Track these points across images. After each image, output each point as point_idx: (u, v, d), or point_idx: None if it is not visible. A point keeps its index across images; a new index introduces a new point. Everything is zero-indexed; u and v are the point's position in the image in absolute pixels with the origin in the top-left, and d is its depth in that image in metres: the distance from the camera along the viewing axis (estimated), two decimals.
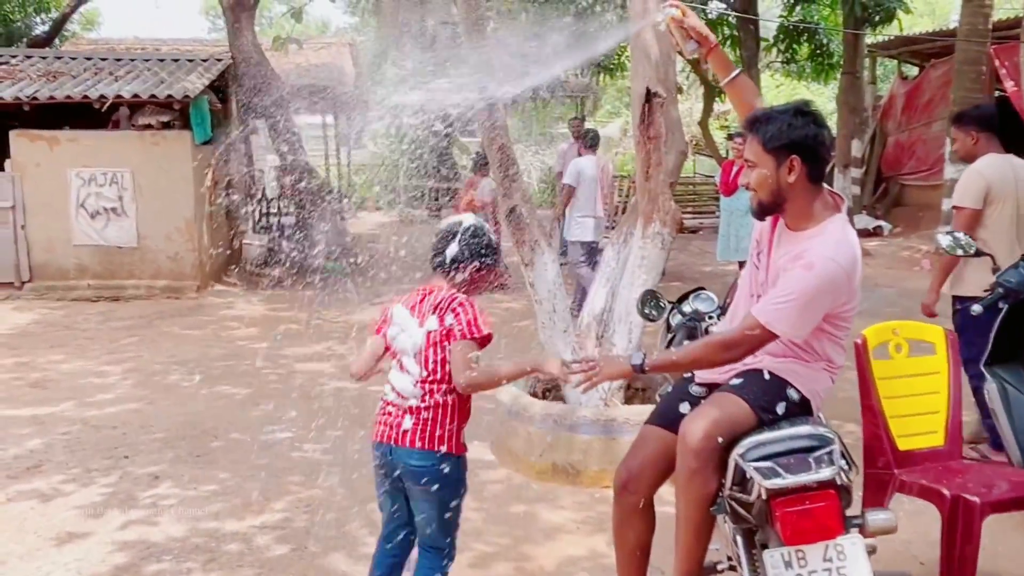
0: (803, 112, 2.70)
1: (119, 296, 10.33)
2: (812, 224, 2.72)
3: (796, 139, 2.65)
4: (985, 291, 3.88)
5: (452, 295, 2.91)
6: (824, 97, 29.53)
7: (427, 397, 2.85)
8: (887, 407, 3.55)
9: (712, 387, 2.94)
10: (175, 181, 10.42)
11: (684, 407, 2.97)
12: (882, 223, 15.26)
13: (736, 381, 2.76)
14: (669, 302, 3.50)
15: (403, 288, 10.45)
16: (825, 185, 2.78)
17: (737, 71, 3.13)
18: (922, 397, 3.59)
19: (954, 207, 4.82)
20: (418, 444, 2.82)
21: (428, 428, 2.84)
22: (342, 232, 15.25)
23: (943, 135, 13.89)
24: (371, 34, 36.62)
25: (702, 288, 3.59)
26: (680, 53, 3.36)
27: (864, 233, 14.28)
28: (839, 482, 2.36)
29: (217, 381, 6.88)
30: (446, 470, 2.84)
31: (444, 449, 2.84)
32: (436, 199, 20.07)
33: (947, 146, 11.94)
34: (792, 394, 2.71)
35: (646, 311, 3.22)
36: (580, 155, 9.41)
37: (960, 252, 4.05)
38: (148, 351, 7.86)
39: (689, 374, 3.08)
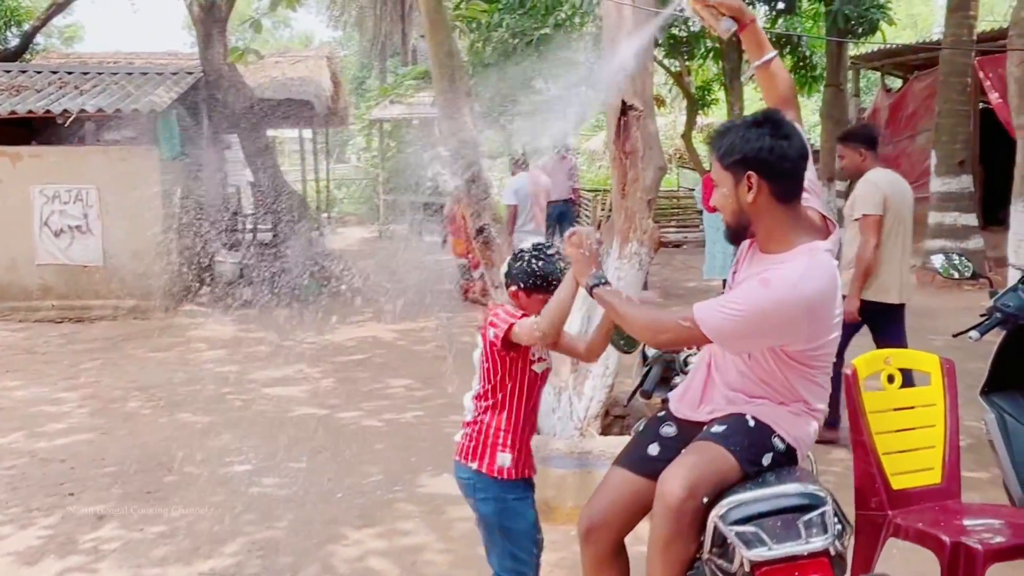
0: (760, 123, 2.41)
1: (84, 317, 9.99)
2: (784, 248, 2.43)
3: (750, 153, 2.37)
4: (982, 316, 3.63)
5: (495, 309, 2.86)
6: (807, 110, 29.57)
7: (476, 413, 2.85)
8: (879, 443, 3.28)
9: (686, 425, 2.68)
10: (143, 198, 10.10)
11: (653, 449, 2.72)
12: None
13: (719, 428, 2.49)
14: None
15: (380, 308, 10.24)
16: (814, 207, 2.52)
17: (772, 54, 2.77)
18: (917, 431, 3.33)
19: (858, 218, 5.07)
20: (458, 457, 2.85)
21: (470, 442, 2.83)
22: (320, 249, 14.96)
23: (928, 148, 13.74)
24: (353, 48, 36.55)
25: None
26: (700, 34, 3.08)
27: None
28: (832, 552, 2.07)
29: (178, 408, 6.57)
30: (481, 490, 2.80)
31: (475, 466, 2.79)
32: (418, 214, 19.78)
33: (932, 159, 11.78)
34: (777, 443, 2.44)
35: (620, 341, 2.94)
36: (513, 175, 10.18)
37: (955, 275, 3.81)
38: (109, 376, 7.53)
39: (662, 412, 2.82)
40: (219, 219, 13.44)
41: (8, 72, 11.19)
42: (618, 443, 4.27)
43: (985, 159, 13.04)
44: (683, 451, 2.49)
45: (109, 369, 7.78)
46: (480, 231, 4.75)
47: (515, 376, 2.80)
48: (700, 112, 17.43)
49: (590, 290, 2.57)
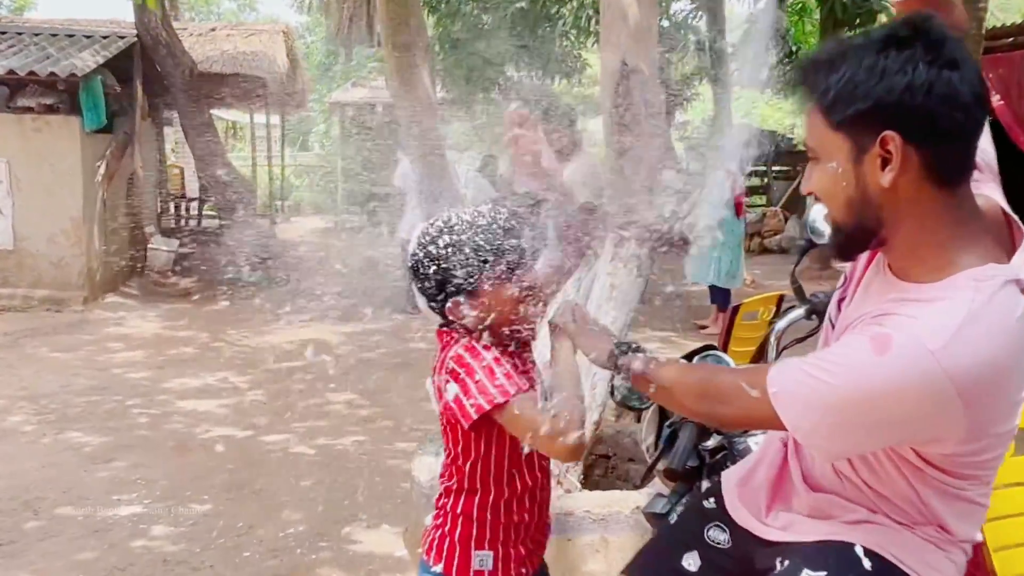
0: (903, 40, 1.33)
1: None
2: (935, 273, 1.37)
3: (888, 97, 1.31)
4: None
5: (459, 344, 1.77)
6: (782, 112, 28.86)
7: (441, 495, 1.89)
8: (988, 533, 2.33)
9: (746, 536, 1.69)
10: (60, 174, 8.92)
11: (691, 562, 1.76)
12: None
13: (813, 572, 1.48)
14: None
15: (327, 306, 9.15)
16: (993, 198, 1.50)
17: None
18: None
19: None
20: (423, 552, 1.88)
21: (435, 532, 1.87)
22: (269, 238, 13.82)
23: None
24: (320, 33, 35.26)
25: (712, 347, 2.31)
26: None
27: None
28: None
29: (69, 425, 5.45)
30: None
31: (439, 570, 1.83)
32: (375, 206, 18.69)
33: None
34: None
35: (632, 397, 1.92)
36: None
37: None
38: None
39: (711, 502, 1.82)
40: (153, 202, 12.27)
41: None
42: (607, 501, 3.29)
43: None
44: None
45: (0, 372, 6.62)
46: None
47: (498, 457, 1.80)
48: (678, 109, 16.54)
49: (617, 368, 1.68)
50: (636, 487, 3.92)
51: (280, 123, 18.65)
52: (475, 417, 1.66)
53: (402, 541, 3.78)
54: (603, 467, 4.24)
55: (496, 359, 1.70)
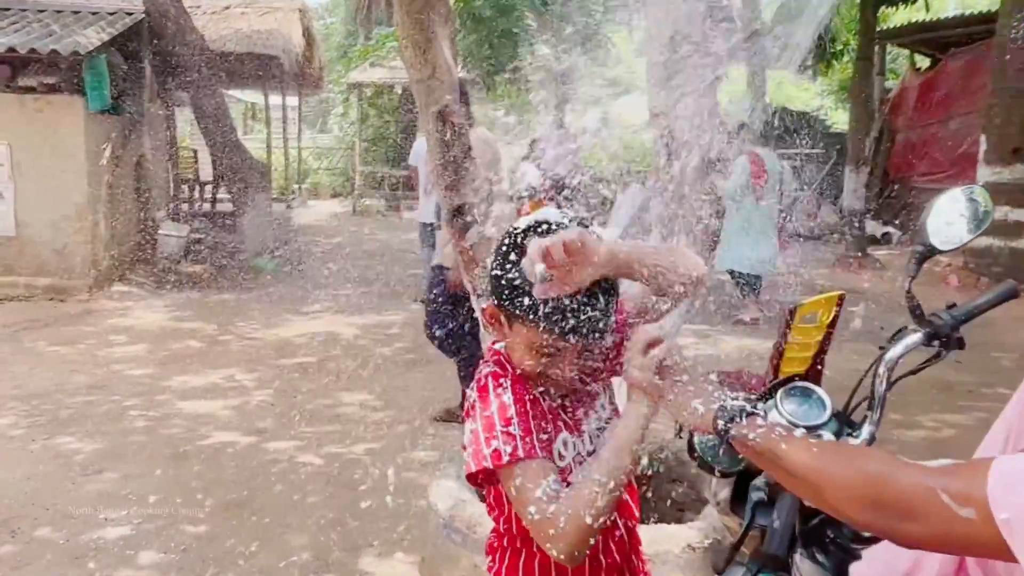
0: None
1: None
2: None
3: None
4: None
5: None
6: (810, 93, 28.07)
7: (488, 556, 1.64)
8: None
9: None
10: (63, 157, 8.52)
11: None
12: (890, 230, 13.70)
13: None
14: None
15: (343, 296, 8.71)
16: None
17: None
18: None
19: None
20: None
21: None
22: (284, 223, 13.43)
23: (963, 133, 12.33)
24: (340, 14, 34.71)
25: (798, 379, 1.85)
26: None
27: (870, 240, 12.70)
28: None
29: (61, 428, 5.05)
30: None
31: None
32: (394, 189, 18.25)
33: (981, 145, 10.35)
34: None
35: (711, 455, 1.46)
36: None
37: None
38: None
39: None
40: (163, 186, 11.88)
41: None
42: (656, 537, 2.87)
43: None
44: None
45: None
46: (456, 213, 3.25)
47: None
48: None
49: (724, 438, 1.28)
50: (680, 512, 3.47)
51: (297, 104, 18.24)
52: (472, 471, 1.41)
53: (417, 573, 3.34)
54: (651, 506, 3.78)
55: (504, 406, 1.41)
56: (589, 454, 1.53)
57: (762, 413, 1.27)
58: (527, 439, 1.40)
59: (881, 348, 1.92)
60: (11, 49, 8.19)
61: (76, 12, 9.56)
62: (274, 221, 12.28)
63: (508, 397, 1.43)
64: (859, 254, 11.83)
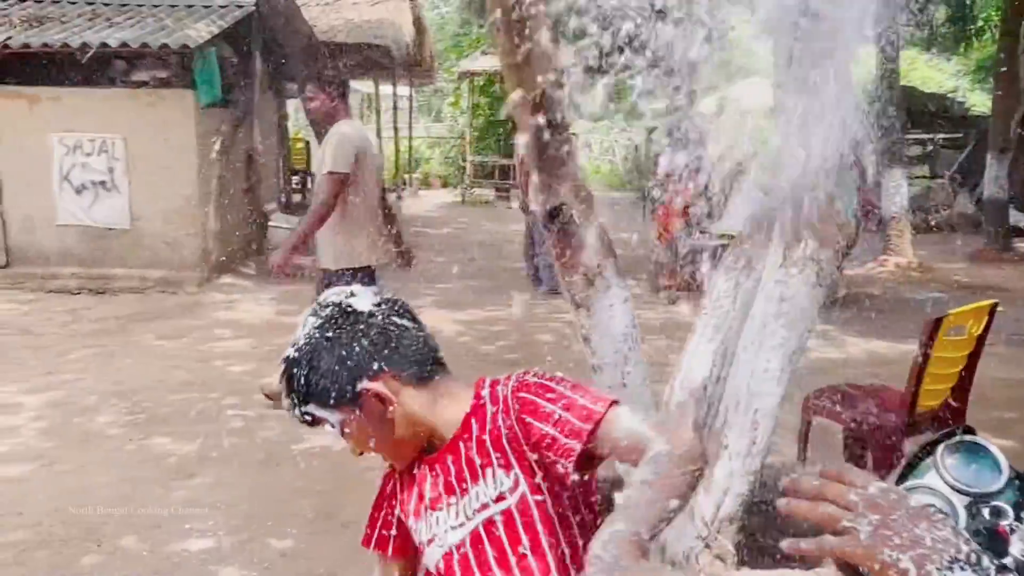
0: None
1: (105, 288, 8.56)
2: None
3: None
4: None
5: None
6: (944, 73, 26.38)
7: None
8: None
9: None
10: (175, 150, 8.60)
11: None
12: None
13: None
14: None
15: (448, 289, 8.50)
16: None
17: None
18: None
19: (328, 171, 4.51)
20: None
21: None
22: (392, 215, 13.37)
23: None
24: (454, 3, 34.76)
25: (961, 430, 1.44)
26: None
27: (1014, 232, 11.73)
28: None
29: (157, 428, 4.98)
30: None
31: None
32: (504, 178, 18.04)
33: None
34: None
35: None
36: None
37: None
38: (95, 372, 6.02)
39: None
40: (274, 177, 11.96)
41: (40, 2, 9.76)
42: None
43: None
44: None
45: (99, 362, 6.27)
46: (555, 213, 2.92)
47: None
48: None
49: None
50: (793, 558, 3.03)
51: (409, 94, 18.23)
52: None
53: None
54: (768, 534, 3.38)
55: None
56: None
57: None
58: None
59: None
60: (124, 44, 8.29)
61: (189, 6, 9.65)
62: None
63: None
64: (1000, 247, 10.94)
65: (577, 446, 1.29)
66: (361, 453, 1.46)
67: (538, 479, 1.36)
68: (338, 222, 4.58)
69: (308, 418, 1.36)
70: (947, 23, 14.81)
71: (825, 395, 3.88)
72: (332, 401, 1.33)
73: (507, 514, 1.36)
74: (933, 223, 13.10)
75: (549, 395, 1.35)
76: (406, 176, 18.94)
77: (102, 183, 8.66)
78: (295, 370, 1.35)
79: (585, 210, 2.90)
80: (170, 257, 8.77)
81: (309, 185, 14.28)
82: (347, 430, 1.38)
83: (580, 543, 1.36)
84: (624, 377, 3.05)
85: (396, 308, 1.42)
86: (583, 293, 2.98)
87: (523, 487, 1.35)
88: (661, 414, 3.05)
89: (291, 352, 1.36)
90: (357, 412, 1.35)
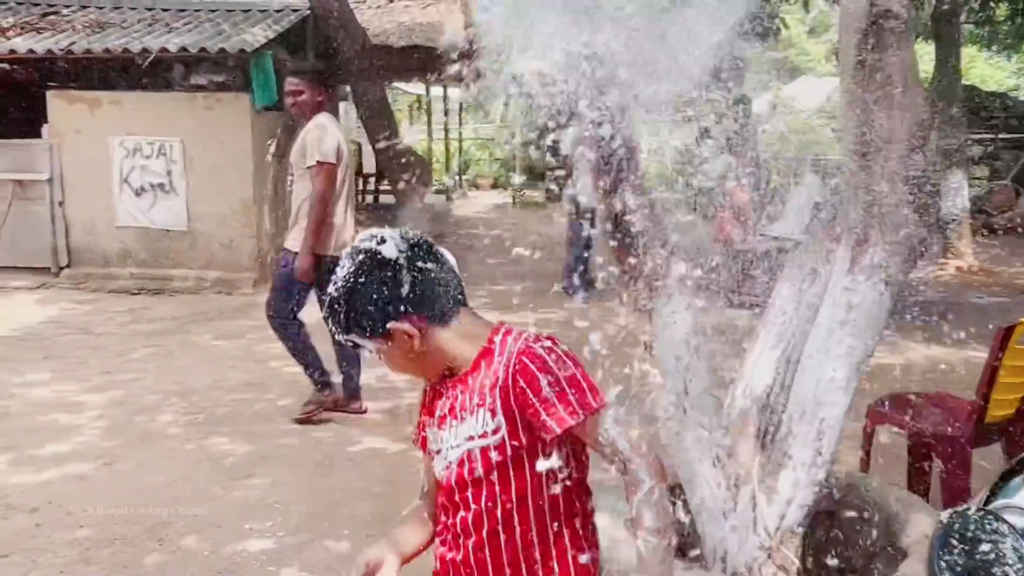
0: None
1: (163, 289, 8.72)
2: None
3: None
4: None
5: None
6: (1005, 71, 25.74)
7: None
8: None
9: None
10: (231, 153, 8.72)
11: None
12: None
13: None
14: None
15: (495, 290, 8.50)
16: None
17: None
18: None
19: (311, 166, 4.75)
20: None
21: None
22: (443, 216, 13.44)
23: None
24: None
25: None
26: None
27: None
28: None
29: (215, 428, 5.05)
30: None
31: None
32: (555, 180, 18.00)
33: None
34: None
35: None
36: None
37: None
38: (155, 371, 6.12)
39: None
40: None
41: (101, 8, 9.97)
42: None
43: None
44: None
45: (158, 362, 6.38)
46: (618, 219, 2.89)
47: None
48: None
49: None
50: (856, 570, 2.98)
51: (460, 96, 18.28)
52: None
53: None
54: (835, 545, 3.31)
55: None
56: None
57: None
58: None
59: None
60: (183, 49, 8.43)
61: (246, 11, 9.79)
62: (435, 214, 12.28)
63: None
64: None
65: (556, 429, 1.49)
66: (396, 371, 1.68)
67: (520, 430, 1.54)
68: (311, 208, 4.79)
69: (351, 343, 1.58)
70: (1007, 20, 14.45)
71: (890, 403, 3.80)
72: (367, 334, 1.54)
73: (485, 451, 1.56)
74: (995, 225, 12.79)
75: (548, 376, 1.50)
76: (455, 177, 19.00)
77: (160, 185, 8.82)
78: (335, 307, 1.55)
79: (650, 216, 2.87)
80: (226, 258, 8.89)
81: (360, 186, 14.40)
82: (381, 356, 1.60)
83: (562, 494, 1.58)
84: (687, 385, 3.01)
85: (421, 252, 1.56)
86: (648, 300, 2.94)
87: (503, 432, 1.54)
88: (720, 419, 3.01)
89: (332, 291, 1.56)
90: (388, 343, 1.55)
